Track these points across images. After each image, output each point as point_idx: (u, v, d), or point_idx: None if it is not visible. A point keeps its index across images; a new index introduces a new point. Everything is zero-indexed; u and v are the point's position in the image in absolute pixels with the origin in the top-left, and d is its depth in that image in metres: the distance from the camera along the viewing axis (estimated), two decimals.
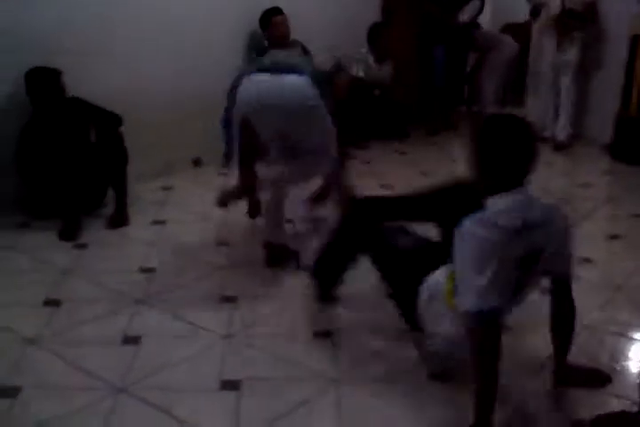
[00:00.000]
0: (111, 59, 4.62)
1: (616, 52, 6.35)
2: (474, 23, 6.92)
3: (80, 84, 4.28)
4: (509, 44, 7.15)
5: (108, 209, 4.32)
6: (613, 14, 6.35)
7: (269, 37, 5.51)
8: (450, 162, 6.26)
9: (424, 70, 6.96)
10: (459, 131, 6.86)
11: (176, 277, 3.58)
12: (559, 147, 6.52)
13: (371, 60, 6.38)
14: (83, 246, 3.92)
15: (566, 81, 6.54)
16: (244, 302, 3.34)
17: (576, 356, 2.90)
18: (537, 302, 2.84)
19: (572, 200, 5.13)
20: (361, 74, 6.33)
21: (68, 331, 3.05)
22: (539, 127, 6.49)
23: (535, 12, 6.58)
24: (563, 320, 2.68)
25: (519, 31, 7.58)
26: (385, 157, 6.04)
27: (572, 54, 6.45)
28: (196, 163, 5.31)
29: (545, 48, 6.57)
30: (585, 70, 6.61)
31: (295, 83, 3.59)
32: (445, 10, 6.67)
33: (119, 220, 4.22)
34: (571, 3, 6.25)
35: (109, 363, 2.82)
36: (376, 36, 6.36)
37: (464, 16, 6.74)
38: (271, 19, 5.46)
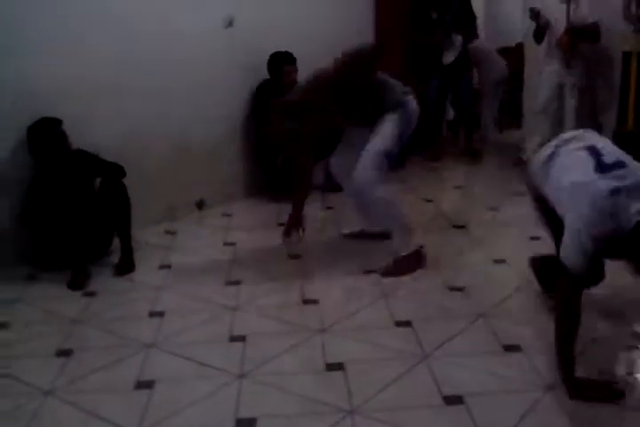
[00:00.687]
0: (114, 104, 4.66)
1: (611, 69, 6.44)
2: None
3: (83, 130, 4.34)
4: (500, 66, 7.21)
5: (115, 257, 4.33)
6: (606, 32, 6.44)
7: (278, 82, 5.53)
8: (449, 188, 6.31)
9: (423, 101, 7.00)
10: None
11: (185, 320, 3.57)
12: None
13: None
14: (91, 295, 3.93)
15: (572, 102, 6.57)
16: (254, 341, 3.33)
17: (587, 366, 2.91)
18: None
19: None
20: None
21: (81, 380, 3.04)
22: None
23: (539, 33, 6.61)
24: None
25: (512, 55, 7.67)
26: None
27: (577, 74, 6.50)
28: (200, 205, 5.34)
29: (548, 70, 6.60)
30: (590, 89, 6.66)
31: None
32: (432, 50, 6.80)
33: (126, 266, 4.24)
34: (575, 20, 6.33)
35: (125, 409, 2.81)
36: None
37: (448, 57, 6.84)
38: (283, 67, 5.51)
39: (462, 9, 6.88)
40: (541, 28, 6.48)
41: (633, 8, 6.18)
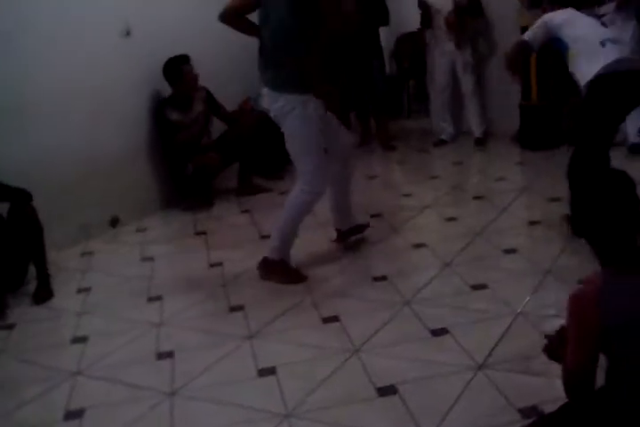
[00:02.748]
0: (18, 122, 4.51)
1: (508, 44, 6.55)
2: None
3: None
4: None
5: (32, 285, 4.19)
6: (497, 6, 6.57)
7: (179, 86, 5.47)
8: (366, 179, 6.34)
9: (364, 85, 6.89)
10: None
11: (109, 342, 3.48)
12: (479, 143, 6.69)
13: None
14: (10, 327, 3.79)
15: (469, 79, 6.71)
16: (182, 357, 3.27)
17: (514, 340, 2.96)
18: None
19: (491, 194, 5.23)
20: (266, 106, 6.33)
21: (9, 415, 2.94)
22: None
23: (425, 18, 6.70)
24: None
25: (414, 39, 7.75)
26: None
27: (467, 52, 6.64)
28: (114, 223, 5.22)
29: (440, 51, 6.72)
30: (481, 65, 6.79)
31: None
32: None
33: (44, 294, 4.11)
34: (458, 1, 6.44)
35: None
36: None
37: None
38: (182, 68, 5.43)
39: None
40: (427, 13, 6.62)
41: None
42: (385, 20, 6.76)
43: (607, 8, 5.75)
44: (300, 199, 3.97)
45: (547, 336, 2.26)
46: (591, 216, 1.94)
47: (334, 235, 4.44)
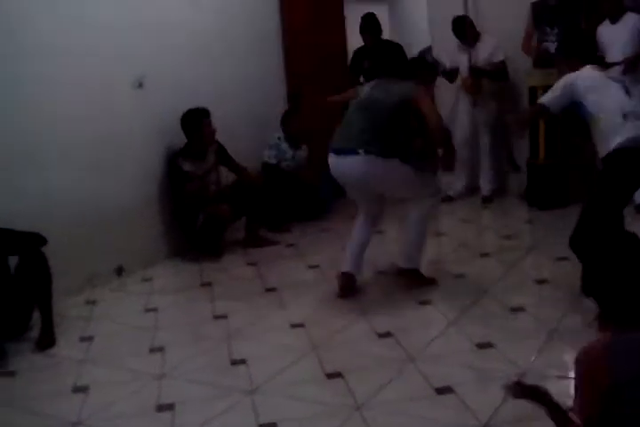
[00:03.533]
0: (29, 171, 4.54)
1: (523, 103, 6.67)
2: None
3: None
4: None
5: (35, 331, 4.17)
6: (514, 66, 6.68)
7: (197, 138, 5.53)
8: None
9: None
10: None
11: (110, 393, 3.44)
12: (486, 201, 6.73)
13: (285, 146, 6.45)
14: (11, 374, 3.75)
15: (485, 138, 6.79)
16: (182, 409, 3.23)
17: (518, 401, 2.91)
18: None
19: (498, 252, 5.23)
20: (273, 160, 6.39)
21: None
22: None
23: (448, 74, 6.79)
24: None
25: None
26: (308, 236, 6.06)
27: (486, 112, 6.72)
28: (119, 272, 5.22)
29: (460, 110, 6.82)
30: (501, 126, 6.86)
31: None
32: None
33: (46, 341, 4.07)
34: (478, 62, 6.53)
35: None
36: (287, 123, 6.49)
37: None
38: (202, 121, 5.49)
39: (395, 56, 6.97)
40: (450, 73, 6.73)
41: (533, 41, 6.42)
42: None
43: (614, 71, 5.83)
44: (425, 210, 4.48)
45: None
46: (603, 278, 1.94)
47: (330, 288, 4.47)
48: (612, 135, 3.91)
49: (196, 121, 5.50)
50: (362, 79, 6.86)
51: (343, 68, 7.47)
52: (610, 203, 3.99)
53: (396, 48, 6.75)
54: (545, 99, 4.15)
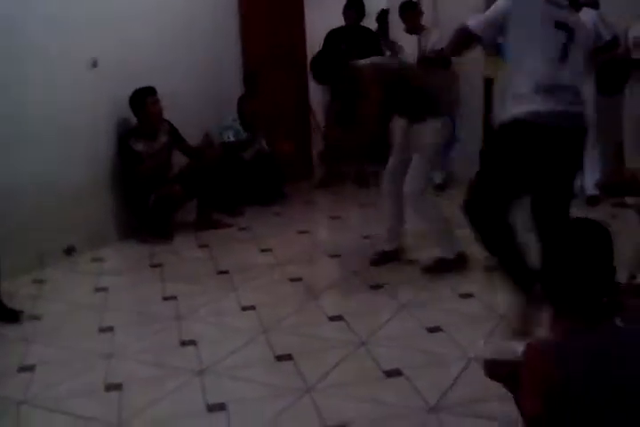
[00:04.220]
0: None
1: (474, 94, 6.70)
2: None
3: None
4: None
5: None
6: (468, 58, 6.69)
7: (144, 117, 5.48)
8: (327, 219, 6.36)
9: None
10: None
11: (57, 372, 3.40)
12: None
13: (240, 128, 6.42)
14: None
15: None
16: (130, 389, 3.20)
17: (467, 384, 2.95)
18: None
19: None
20: (232, 138, 6.36)
21: None
22: None
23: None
24: None
25: None
26: (261, 220, 6.04)
27: None
28: (69, 251, 5.15)
29: None
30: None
31: None
32: None
33: None
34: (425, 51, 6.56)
35: None
36: (242, 106, 6.46)
37: None
38: (146, 99, 5.44)
39: (370, 43, 7.01)
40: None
41: None
42: None
43: None
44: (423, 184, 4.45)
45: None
46: (562, 269, 1.88)
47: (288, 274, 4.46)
48: (521, 97, 3.30)
49: (141, 100, 5.44)
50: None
51: (301, 50, 7.46)
52: (491, 186, 3.43)
53: (374, 36, 6.82)
54: (472, 22, 3.40)
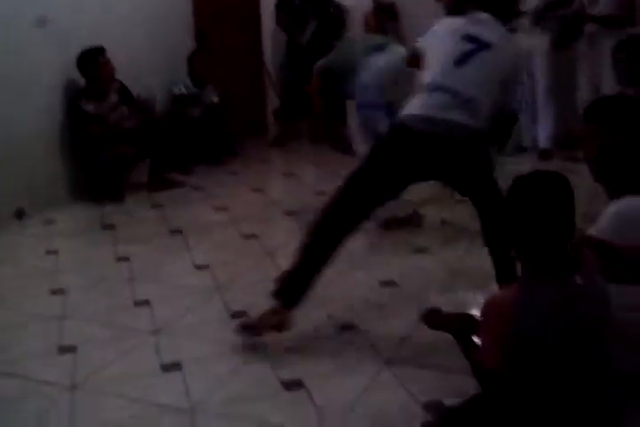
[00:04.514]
0: None
1: None
2: None
3: None
4: None
5: None
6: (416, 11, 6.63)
7: (93, 77, 5.36)
8: (282, 177, 6.33)
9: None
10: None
11: (10, 335, 3.35)
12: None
13: (190, 83, 6.32)
14: None
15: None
16: (85, 350, 3.18)
17: (420, 340, 2.99)
18: None
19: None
20: (183, 91, 6.27)
21: None
22: None
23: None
24: None
25: None
26: (215, 179, 5.99)
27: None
28: (19, 214, 5.05)
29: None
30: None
31: None
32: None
33: None
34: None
35: None
36: (192, 62, 6.37)
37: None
38: (97, 59, 5.32)
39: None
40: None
41: None
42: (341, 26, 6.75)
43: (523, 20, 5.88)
44: None
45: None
46: (523, 221, 1.88)
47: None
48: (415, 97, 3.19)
49: (91, 60, 5.32)
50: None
51: (254, 7, 7.34)
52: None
53: None
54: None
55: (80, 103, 5.33)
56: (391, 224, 4.50)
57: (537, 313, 1.83)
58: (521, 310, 1.82)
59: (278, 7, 7.06)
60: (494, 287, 3.22)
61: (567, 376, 1.84)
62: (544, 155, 6.00)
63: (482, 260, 3.53)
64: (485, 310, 1.91)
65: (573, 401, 1.85)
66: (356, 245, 4.20)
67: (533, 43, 5.92)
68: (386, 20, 6.38)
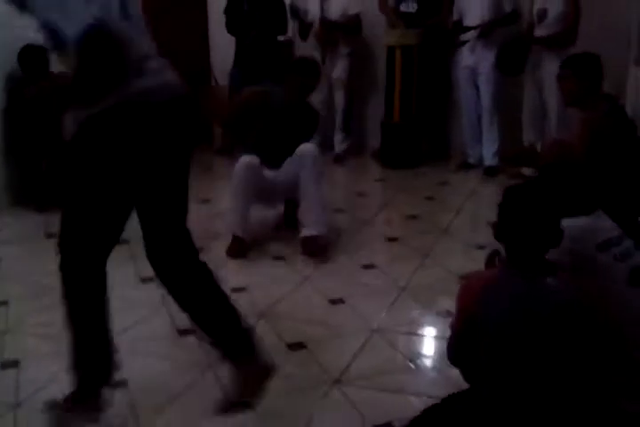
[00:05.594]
0: None
1: (378, 63, 6.72)
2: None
3: None
4: None
5: None
6: (370, 26, 6.69)
7: (37, 77, 5.21)
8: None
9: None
10: None
11: None
12: (338, 159, 6.77)
13: None
14: None
15: (339, 95, 6.77)
16: (28, 365, 3.11)
17: (369, 359, 2.99)
18: None
19: (351, 209, 5.31)
20: None
21: None
22: None
23: (303, 30, 6.65)
24: None
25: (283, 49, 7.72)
26: None
27: (340, 69, 6.67)
28: None
29: None
30: (355, 83, 6.87)
31: None
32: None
33: None
34: (332, 16, 6.46)
35: None
36: None
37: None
38: (48, 61, 5.12)
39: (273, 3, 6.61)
40: (305, 25, 6.60)
41: (391, 0, 6.44)
42: (283, 29, 6.72)
43: (469, 35, 5.98)
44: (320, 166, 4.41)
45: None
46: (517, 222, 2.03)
47: None
48: None
49: (40, 61, 5.16)
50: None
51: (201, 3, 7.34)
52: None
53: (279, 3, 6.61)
54: None
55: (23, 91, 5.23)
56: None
57: (498, 303, 2.00)
58: (485, 296, 2.01)
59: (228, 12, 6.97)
60: (442, 303, 3.31)
61: (509, 370, 1.99)
62: (489, 172, 6.09)
63: (430, 277, 3.59)
64: (463, 284, 2.16)
65: (511, 397, 1.99)
66: (302, 262, 4.25)
67: (478, 59, 6.03)
68: (336, 35, 6.40)
